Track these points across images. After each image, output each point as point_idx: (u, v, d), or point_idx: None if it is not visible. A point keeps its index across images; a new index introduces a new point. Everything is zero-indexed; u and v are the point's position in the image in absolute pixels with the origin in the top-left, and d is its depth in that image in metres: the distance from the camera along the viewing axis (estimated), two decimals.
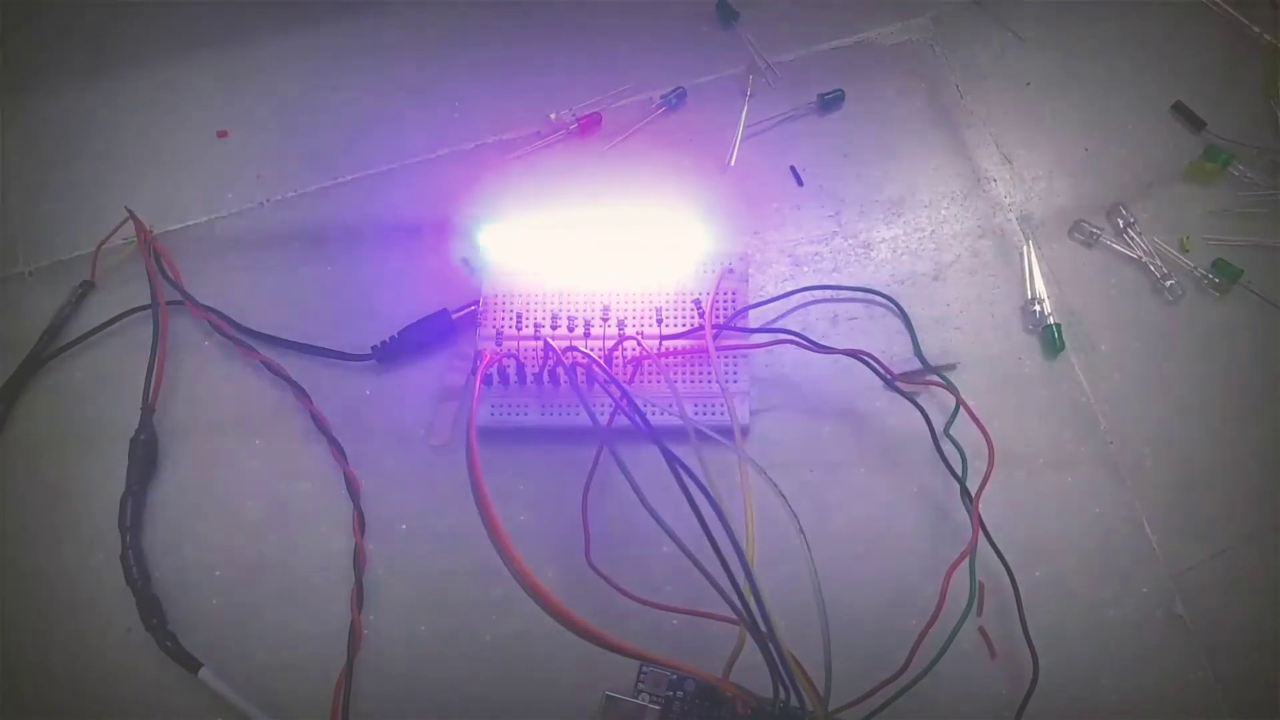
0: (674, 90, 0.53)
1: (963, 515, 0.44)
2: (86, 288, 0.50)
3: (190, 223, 0.52)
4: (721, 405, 0.46)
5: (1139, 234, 0.50)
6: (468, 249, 0.44)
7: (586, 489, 0.43)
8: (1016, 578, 0.42)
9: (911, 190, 0.51)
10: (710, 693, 0.40)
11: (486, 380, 0.46)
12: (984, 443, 0.43)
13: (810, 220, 0.51)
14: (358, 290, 0.50)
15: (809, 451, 0.46)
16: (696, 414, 0.46)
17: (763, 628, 0.35)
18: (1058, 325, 0.48)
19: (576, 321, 0.47)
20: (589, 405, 0.38)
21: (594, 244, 0.47)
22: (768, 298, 0.48)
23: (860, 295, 0.49)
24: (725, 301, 0.48)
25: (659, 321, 0.47)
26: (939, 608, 0.40)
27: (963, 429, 0.44)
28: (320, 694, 0.42)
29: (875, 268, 0.50)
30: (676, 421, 0.39)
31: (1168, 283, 0.49)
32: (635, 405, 0.38)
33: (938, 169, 0.52)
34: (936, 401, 0.46)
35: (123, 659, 0.43)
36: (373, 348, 0.48)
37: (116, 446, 0.46)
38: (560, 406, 0.46)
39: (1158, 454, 0.46)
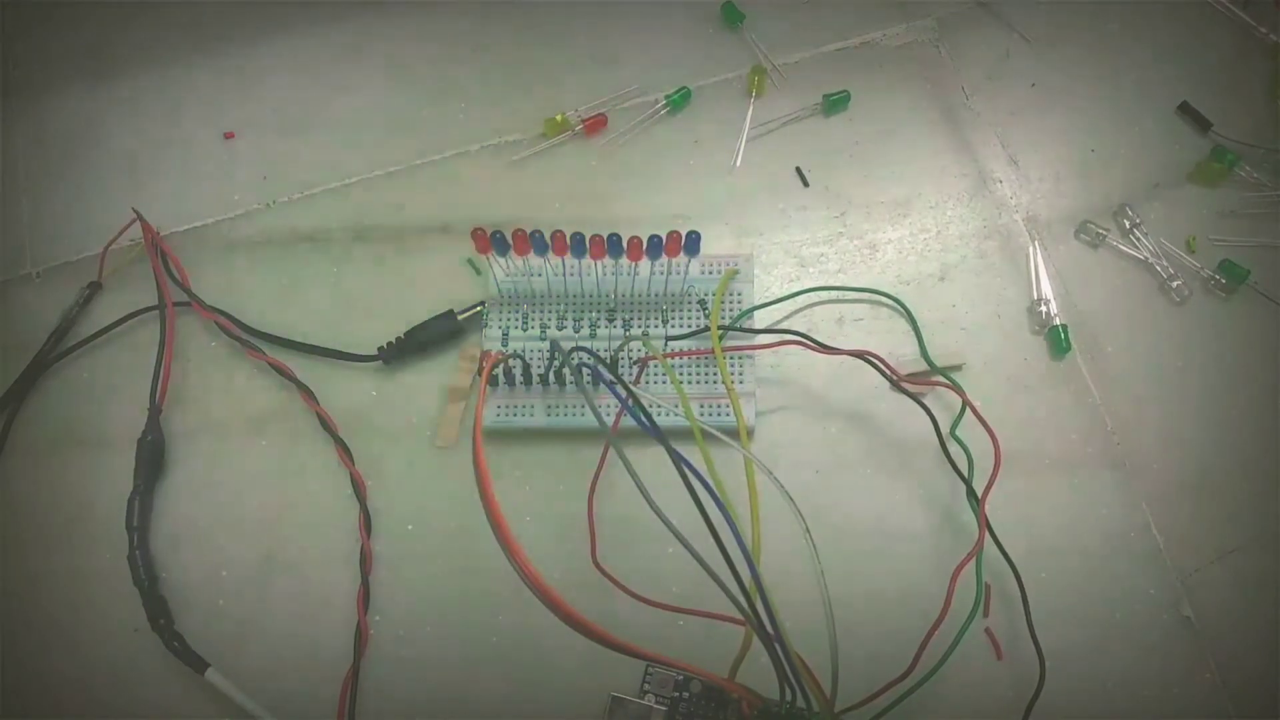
0: (679, 91, 0.53)
1: (969, 516, 0.44)
2: (94, 289, 0.50)
3: (197, 224, 0.52)
4: (727, 406, 0.46)
5: (1145, 235, 0.50)
6: (473, 249, 0.44)
7: (592, 489, 0.43)
8: (1023, 579, 0.42)
9: (917, 191, 0.51)
10: (716, 693, 0.40)
11: (492, 381, 0.46)
12: (990, 444, 0.43)
13: (816, 221, 0.51)
14: (364, 291, 0.50)
15: (815, 452, 0.46)
16: (702, 414, 0.46)
17: (769, 628, 0.35)
18: (1064, 326, 0.48)
19: (582, 322, 0.47)
20: (595, 406, 0.38)
21: (599, 244, 0.47)
22: (773, 298, 0.48)
23: (866, 296, 0.49)
24: (731, 302, 0.48)
25: (665, 322, 0.47)
26: (945, 609, 0.40)
27: (969, 430, 0.44)
28: (326, 694, 0.42)
29: (881, 268, 0.50)
30: (682, 422, 0.39)
31: (1174, 283, 0.48)
32: (641, 406, 0.38)
33: (943, 170, 0.52)
34: (943, 402, 0.46)
35: (129, 659, 0.44)
36: (379, 348, 0.48)
37: (124, 447, 0.46)
38: (566, 407, 0.46)
39: (1164, 455, 0.46)
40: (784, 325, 0.48)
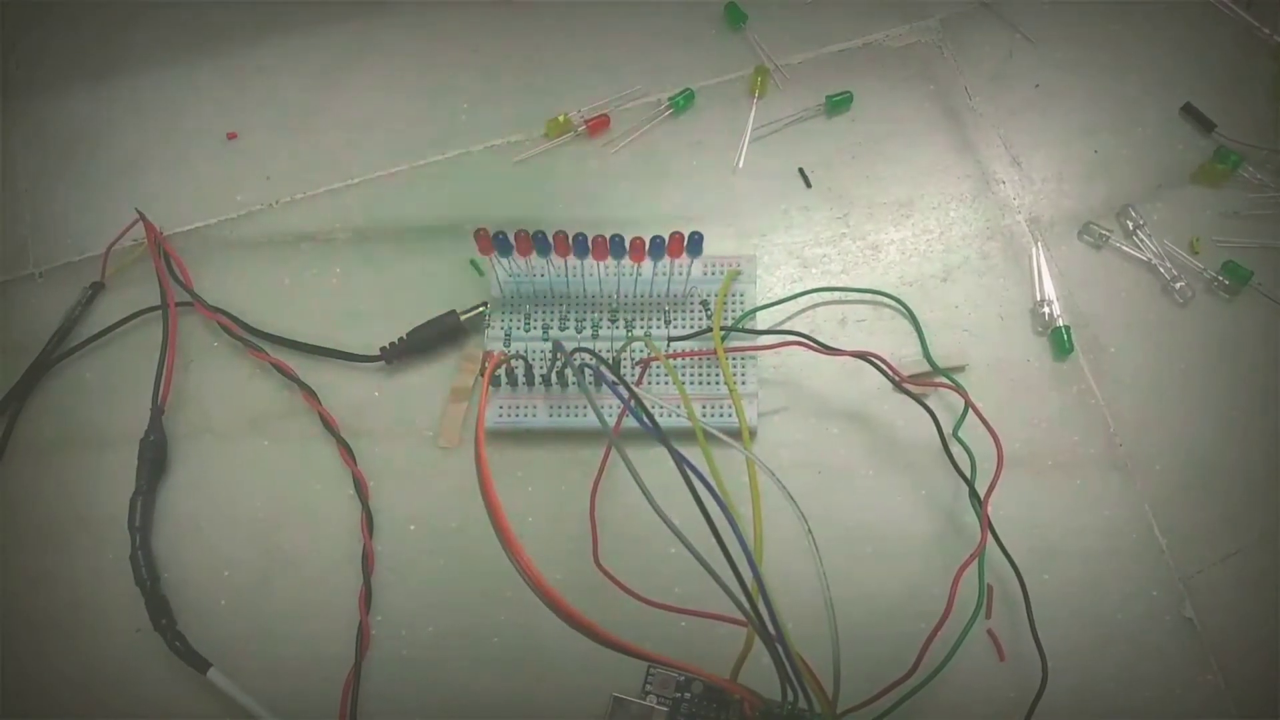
0: (682, 92, 0.53)
1: (971, 517, 0.44)
2: (96, 289, 0.50)
3: (200, 224, 0.52)
4: (729, 407, 0.46)
5: (1148, 236, 0.50)
6: (476, 250, 0.44)
7: (594, 490, 0.43)
8: (1025, 580, 0.42)
9: (920, 192, 0.51)
10: (718, 694, 0.40)
11: (495, 381, 0.46)
12: (993, 445, 0.43)
13: (818, 222, 0.51)
14: (366, 292, 0.50)
15: (817, 453, 0.46)
16: (704, 415, 0.46)
17: (771, 629, 0.35)
18: (1067, 327, 0.48)
19: (584, 323, 0.47)
20: (597, 406, 0.38)
21: (602, 245, 0.47)
22: (776, 299, 0.48)
23: (868, 297, 0.49)
24: (733, 303, 0.48)
25: (667, 323, 0.47)
26: (948, 610, 0.40)
27: (972, 431, 0.44)
28: (328, 694, 0.42)
29: (884, 269, 0.50)
30: (684, 423, 0.39)
31: (1177, 284, 0.48)
32: (643, 406, 0.38)
33: (946, 171, 0.52)
34: (945, 403, 0.46)
35: (131, 659, 0.44)
36: (381, 349, 0.48)
37: (126, 447, 0.46)
38: (568, 408, 0.46)
39: (1167, 456, 0.46)
40: (786, 326, 0.48)
